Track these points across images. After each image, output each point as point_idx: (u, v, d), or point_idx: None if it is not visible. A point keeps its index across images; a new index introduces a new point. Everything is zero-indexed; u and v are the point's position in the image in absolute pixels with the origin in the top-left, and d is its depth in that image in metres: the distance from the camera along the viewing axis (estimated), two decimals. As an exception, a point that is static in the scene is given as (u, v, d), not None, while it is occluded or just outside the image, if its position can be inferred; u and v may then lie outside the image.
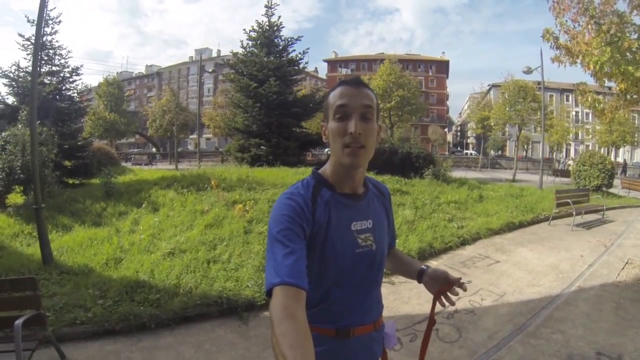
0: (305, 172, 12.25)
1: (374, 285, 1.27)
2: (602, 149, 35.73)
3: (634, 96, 5.79)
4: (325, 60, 63.98)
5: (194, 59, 70.09)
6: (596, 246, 7.08)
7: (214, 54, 67.98)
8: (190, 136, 50.51)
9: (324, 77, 66.75)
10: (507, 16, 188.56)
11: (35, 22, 5.76)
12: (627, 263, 6.06)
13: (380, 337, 1.33)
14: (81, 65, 12.43)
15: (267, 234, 1.10)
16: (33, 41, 11.22)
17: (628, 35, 5.23)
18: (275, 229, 1.06)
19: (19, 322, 2.87)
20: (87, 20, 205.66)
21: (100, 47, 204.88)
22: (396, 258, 1.52)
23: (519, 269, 5.83)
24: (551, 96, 51.41)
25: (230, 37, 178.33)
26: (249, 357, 3.41)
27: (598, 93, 6.86)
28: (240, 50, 19.15)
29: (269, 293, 0.96)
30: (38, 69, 11.09)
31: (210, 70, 33.27)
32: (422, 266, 1.41)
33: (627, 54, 5.04)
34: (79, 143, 12.37)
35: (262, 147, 16.69)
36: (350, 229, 1.19)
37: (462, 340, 3.65)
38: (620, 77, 5.02)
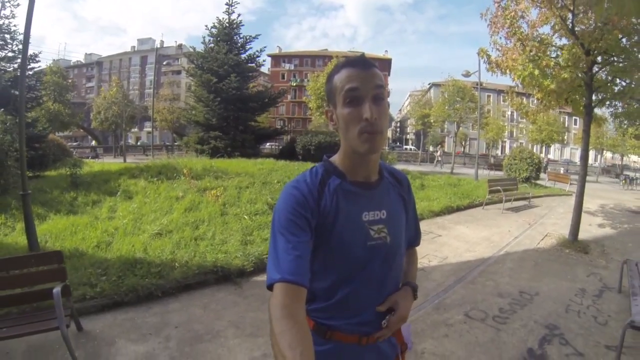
0: (263, 163, 12.94)
1: (389, 282, 1.20)
2: (534, 146, 39.15)
3: (551, 102, 7.10)
4: (269, 55, 62.36)
5: (136, 49, 67.24)
6: (522, 224, 8.57)
7: (157, 45, 65.64)
8: (132, 130, 48.95)
9: (266, 71, 64.30)
10: (449, 18, 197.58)
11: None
12: (546, 235, 7.57)
13: (394, 338, 1.28)
14: (39, 53, 12.14)
15: (268, 223, 1.28)
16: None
17: (549, 54, 6.54)
18: (278, 221, 1.03)
19: (57, 289, 3.00)
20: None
21: (31, 31, 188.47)
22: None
23: (458, 240, 7.07)
24: (488, 96, 54.94)
25: (172, 27, 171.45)
26: (251, 310, 4.08)
27: (528, 95, 8.20)
28: (201, 46, 19.41)
29: (270, 287, 0.95)
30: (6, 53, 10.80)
31: (164, 64, 32.56)
32: (411, 283, 1.32)
33: (546, 69, 6.32)
34: (37, 132, 12.01)
35: (222, 139, 17.15)
36: (362, 220, 1.12)
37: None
38: (536, 88, 6.33)
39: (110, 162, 18.98)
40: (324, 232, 1.07)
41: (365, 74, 1.05)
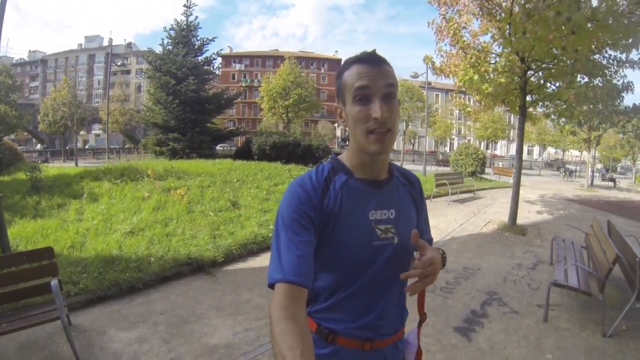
0: (221, 163, 13.22)
1: (394, 285, 1.12)
2: (481, 142, 41.34)
3: (489, 103, 7.95)
4: (220, 55, 61.82)
5: (83, 47, 64.42)
6: (467, 214, 9.49)
7: (106, 42, 63.15)
8: (80, 132, 47.16)
9: (217, 72, 63.73)
10: (400, 19, 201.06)
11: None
12: (488, 222, 8.51)
13: (401, 344, 1.24)
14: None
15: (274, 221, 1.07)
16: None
17: (489, 60, 7.36)
18: (281, 219, 1.02)
19: (55, 281, 3.12)
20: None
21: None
22: None
23: (407, 229, 7.85)
24: (437, 95, 57.07)
25: (119, 24, 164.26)
26: (228, 294, 4.51)
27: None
28: (156, 47, 19.43)
29: (272, 286, 0.94)
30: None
31: (119, 64, 31.63)
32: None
33: (485, 74, 7.14)
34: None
35: (180, 141, 17.29)
36: (368, 218, 1.08)
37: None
38: (475, 91, 7.15)
39: (63, 166, 18.38)
40: (327, 230, 1.05)
41: (376, 72, 1.02)
